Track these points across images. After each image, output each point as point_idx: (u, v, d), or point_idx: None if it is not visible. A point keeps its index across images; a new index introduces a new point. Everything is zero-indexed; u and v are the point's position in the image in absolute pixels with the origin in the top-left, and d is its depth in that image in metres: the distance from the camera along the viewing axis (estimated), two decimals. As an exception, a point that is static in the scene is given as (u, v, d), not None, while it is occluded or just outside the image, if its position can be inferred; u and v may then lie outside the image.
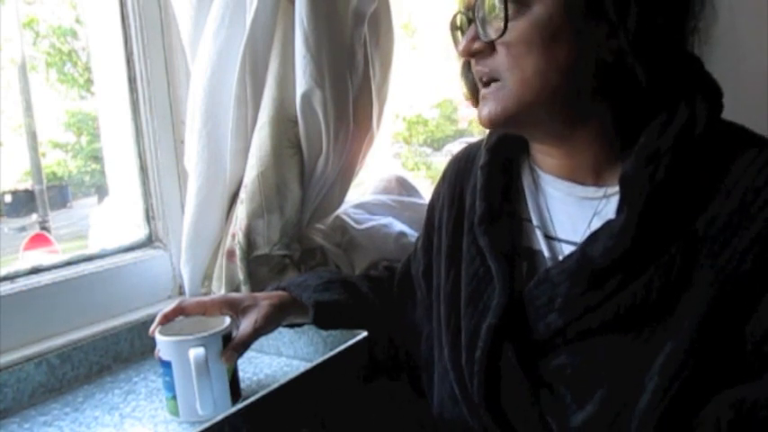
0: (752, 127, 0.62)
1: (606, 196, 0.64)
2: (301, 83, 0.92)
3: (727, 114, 0.61)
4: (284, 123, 0.95)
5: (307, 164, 0.98)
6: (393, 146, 2.01)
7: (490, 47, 0.62)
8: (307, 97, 0.93)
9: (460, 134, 2.70)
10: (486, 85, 0.64)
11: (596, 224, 0.62)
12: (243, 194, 0.96)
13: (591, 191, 0.65)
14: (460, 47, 0.65)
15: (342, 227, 1.08)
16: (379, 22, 1.05)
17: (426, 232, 0.84)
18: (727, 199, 0.56)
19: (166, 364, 0.72)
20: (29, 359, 0.82)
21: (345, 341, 0.81)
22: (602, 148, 0.64)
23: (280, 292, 0.83)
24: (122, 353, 0.93)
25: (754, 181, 0.56)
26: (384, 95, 1.09)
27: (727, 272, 0.55)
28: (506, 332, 0.65)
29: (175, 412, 0.73)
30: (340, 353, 0.79)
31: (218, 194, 1.00)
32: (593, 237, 0.61)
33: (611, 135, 0.63)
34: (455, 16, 0.69)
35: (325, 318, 0.81)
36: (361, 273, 1.02)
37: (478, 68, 0.65)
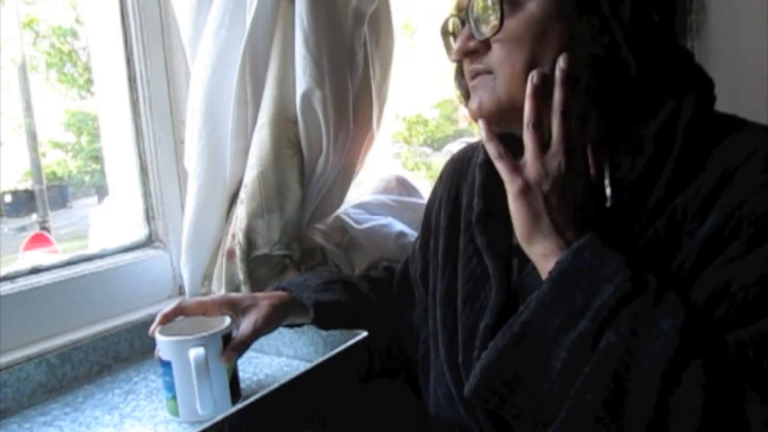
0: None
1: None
2: (301, 83, 0.92)
3: (725, 110, 0.61)
4: (284, 123, 0.95)
5: (307, 164, 0.98)
6: (393, 146, 2.01)
7: (485, 45, 0.62)
8: (307, 97, 0.93)
9: (460, 134, 2.70)
10: (477, 77, 0.64)
11: None
12: (243, 194, 0.96)
13: None
14: (456, 46, 0.65)
15: (342, 227, 1.08)
16: (379, 22, 1.05)
17: (423, 234, 0.84)
18: (708, 176, 0.56)
19: (166, 364, 0.72)
20: (29, 359, 0.82)
21: (345, 341, 0.81)
22: (593, 143, 0.63)
23: (280, 292, 0.83)
24: (122, 353, 0.93)
25: (734, 158, 0.55)
26: (384, 95, 1.09)
27: (705, 243, 0.54)
28: None
29: (175, 412, 0.73)
30: (340, 353, 0.78)
31: (218, 194, 1.00)
32: None
33: (601, 129, 0.63)
34: (447, 21, 0.69)
35: (326, 318, 0.81)
36: (361, 273, 1.02)
37: (472, 67, 0.65)
